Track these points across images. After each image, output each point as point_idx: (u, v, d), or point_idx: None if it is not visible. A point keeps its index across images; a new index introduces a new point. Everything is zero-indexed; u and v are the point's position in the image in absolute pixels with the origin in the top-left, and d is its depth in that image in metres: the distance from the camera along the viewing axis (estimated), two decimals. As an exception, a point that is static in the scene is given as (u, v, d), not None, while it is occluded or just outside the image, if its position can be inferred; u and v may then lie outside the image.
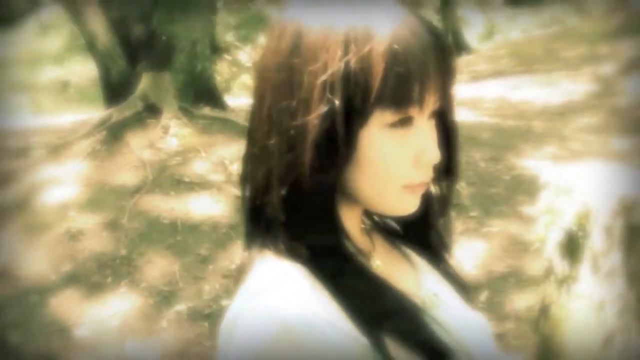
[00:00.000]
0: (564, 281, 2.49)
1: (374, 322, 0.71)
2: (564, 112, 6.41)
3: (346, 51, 0.70)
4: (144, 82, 5.48)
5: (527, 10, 11.46)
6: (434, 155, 0.74)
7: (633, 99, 6.56)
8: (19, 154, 5.61)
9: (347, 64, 0.69)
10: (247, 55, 11.23)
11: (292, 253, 0.73)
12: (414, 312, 0.75)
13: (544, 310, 2.58)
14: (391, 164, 0.73)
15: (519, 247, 3.97)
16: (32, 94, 10.76)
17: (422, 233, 0.88)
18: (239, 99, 7.71)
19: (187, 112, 5.43)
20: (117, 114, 5.26)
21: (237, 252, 3.97)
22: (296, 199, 0.73)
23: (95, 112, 8.01)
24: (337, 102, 0.70)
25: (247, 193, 0.78)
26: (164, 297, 3.64)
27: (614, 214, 2.33)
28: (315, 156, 0.71)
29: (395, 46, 0.69)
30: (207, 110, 5.79)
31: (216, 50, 8.23)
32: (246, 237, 0.80)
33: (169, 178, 4.63)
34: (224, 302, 3.61)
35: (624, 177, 2.50)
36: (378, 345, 0.69)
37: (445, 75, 0.73)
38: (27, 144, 6.10)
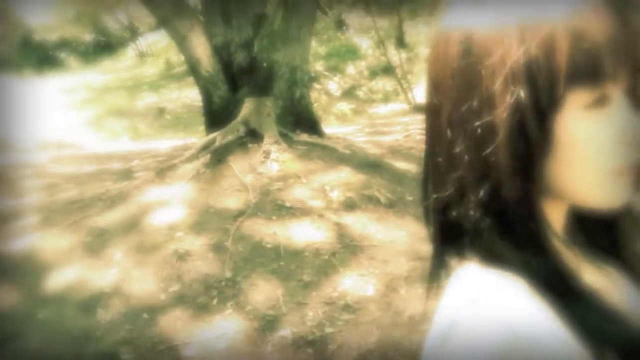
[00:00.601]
0: None
1: (597, 338, 0.66)
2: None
3: (523, 39, 0.66)
4: (247, 108, 5.59)
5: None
6: (639, 131, 0.68)
7: None
8: (123, 176, 5.80)
9: (526, 51, 0.66)
10: (336, 84, 11.32)
11: (500, 261, 0.69)
12: (634, 331, 0.70)
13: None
14: (595, 148, 0.68)
15: None
16: (130, 120, 11.20)
17: (614, 245, 0.83)
18: (333, 128, 7.76)
19: (287, 138, 5.49)
20: (220, 138, 5.37)
21: (339, 279, 3.93)
22: (496, 203, 0.69)
23: (190, 138, 8.22)
24: (523, 93, 0.66)
25: (435, 207, 0.76)
26: (269, 322, 3.63)
27: None
28: (510, 153, 0.67)
29: (577, 23, 0.65)
30: (305, 137, 5.83)
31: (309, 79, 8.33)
32: (438, 250, 0.77)
33: (271, 203, 4.66)
34: (327, 330, 3.57)
35: None
36: None
37: (634, 49, 0.68)
38: (129, 167, 6.33)
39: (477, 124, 0.69)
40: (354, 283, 3.89)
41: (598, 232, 0.83)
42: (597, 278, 0.78)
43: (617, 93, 0.68)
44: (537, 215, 0.70)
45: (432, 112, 0.75)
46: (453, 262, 0.74)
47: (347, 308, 3.69)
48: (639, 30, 0.68)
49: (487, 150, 0.68)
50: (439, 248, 0.77)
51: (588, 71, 0.66)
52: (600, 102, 0.68)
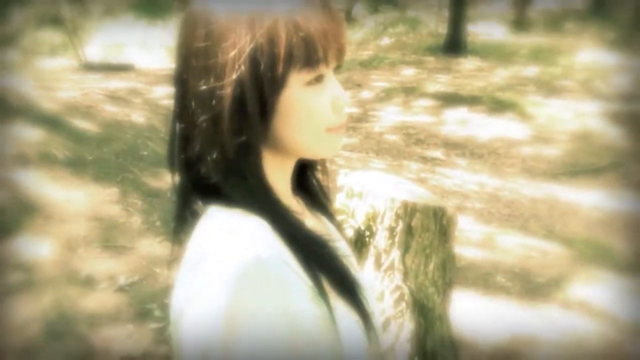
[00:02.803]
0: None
1: (313, 265, 0.86)
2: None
3: (251, 28, 0.81)
4: None
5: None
6: (346, 99, 0.90)
7: (386, 123, 7.37)
8: None
9: (252, 38, 0.82)
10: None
11: (237, 206, 0.86)
12: (340, 258, 0.93)
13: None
14: (315, 114, 0.87)
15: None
16: None
17: (308, 185, 1.05)
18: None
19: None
20: None
21: (9, 239, 3.70)
22: (225, 162, 0.86)
23: None
24: (245, 72, 0.82)
25: (180, 164, 0.91)
26: None
27: (396, 217, 2.62)
28: (231, 121, 0.83)
29: (295, 17, 0.83)
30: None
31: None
32: (183, 197, 0.92)
33: None
34: (-5, 292, 3.36)
35: (403, 186, 2.83)
36: (319, 285, 0.85)
37: (339, 37, 0.88)
38: None
39: (211, 97, 0.84)
40: (27, 243, 3.71)
41: (312, 187, 1.06)
42: (315, 223, 1.01)
43: (328, 72, 0.89)
44: (257, 171, 0.88)
45: (180, 85, 0.89)
46: (197, 206, 0.90)
47: (19, 267, 3.52)
48: (342, 23, 0.90)
49: (217, 119, 0.84)
50: (185, 195, 0.92)
51: (304, 56, 0.83)
52: (317, 79, 0.87)
